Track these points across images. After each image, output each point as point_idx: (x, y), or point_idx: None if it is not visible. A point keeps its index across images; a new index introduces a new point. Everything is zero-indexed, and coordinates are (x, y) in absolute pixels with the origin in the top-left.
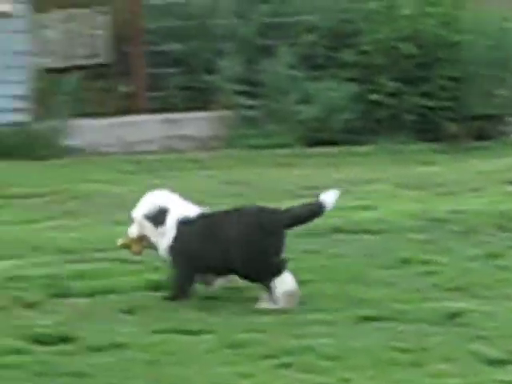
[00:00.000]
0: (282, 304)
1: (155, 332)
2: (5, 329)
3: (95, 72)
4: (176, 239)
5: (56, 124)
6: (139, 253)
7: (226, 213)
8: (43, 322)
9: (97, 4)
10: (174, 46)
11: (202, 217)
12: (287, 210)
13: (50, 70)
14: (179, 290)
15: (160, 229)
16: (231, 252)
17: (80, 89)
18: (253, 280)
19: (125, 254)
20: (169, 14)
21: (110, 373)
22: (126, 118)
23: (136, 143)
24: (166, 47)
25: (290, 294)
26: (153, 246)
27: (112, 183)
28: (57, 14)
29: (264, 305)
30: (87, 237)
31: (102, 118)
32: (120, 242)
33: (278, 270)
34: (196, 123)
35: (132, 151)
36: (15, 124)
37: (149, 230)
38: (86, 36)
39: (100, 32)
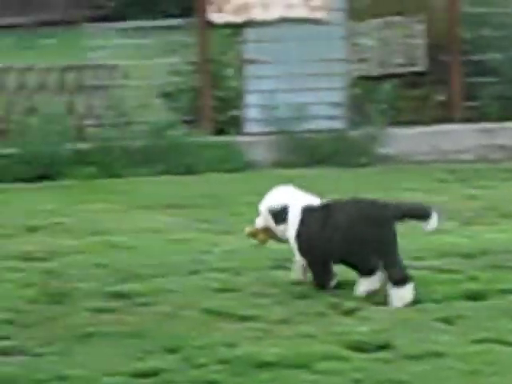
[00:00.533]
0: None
1: (473, 342)
2: (324, 335)
3: (411, 80)
4: (300, 228)
5: (371, 131)
6: (264, 242)
7: (345, 203)
8: (361, 329)
9: (413, 12)
10: (490, 56)
11: (323, 206)
12: (397, 204)
13: (365, 78)
14: (320, 279)
15: (281, 225)
16: (343, 240)
17: (395, 97)
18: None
19: (444, 263)
20: (484, 24)
21: (427, 381)
22: (441, 127)
23: (450, 152)
24: (481, 56)
25: (404, 302)
26: (275, 238)
27: (427, 192)
28: (373, 22)
29: (363, 288)
30: (404, 245)
31: (417, 126)
32: (247, 230)
33: (405, 279)
34: (511, 133)
35: (446, 160)
36: (331, 131)
37: (271, 223)
38: (402, 44)
39: (416, 40)
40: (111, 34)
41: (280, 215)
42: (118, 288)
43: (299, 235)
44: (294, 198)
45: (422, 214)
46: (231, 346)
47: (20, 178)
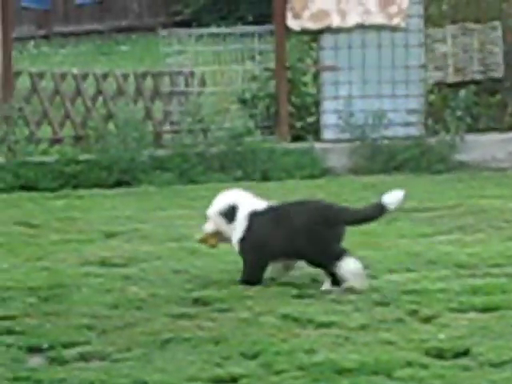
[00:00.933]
0: (351, 283)
1: None
2: (403, 342)
3: (489, 87)
4: (247, 230)
5: (448, 138)
6: (214, 246)
7: (292, 205)
8: (440, 336)
9: (490, 19)
10: None
11: (270, 209)
12: (350, 209)
13: (443, 84)
14: (251, 276)
15: (232, 224)
16: (297, 240)
17: (472, 103)
18: (317, 265)
19: None
20: None
21: None
22: None
23: None
24: None
25: (355, 273)
26: (226, 240)
27: (506, 199)
28: (450, 29)
29: (327, 286)
30: (482, 252)
31: (494, 133)
32: (198, 237)
33: (339, 255)
34: None
35: None
36: (408, 138)
37: (223, 225)
38: (479, 50)
39: (493, 47)
40: (188, 40)
41: (230, 214)
42: (197, 294)
43: (244, 238)
44: (241, 200)
45: (377, 215)
46: (310, 352)
47: (98, 184)
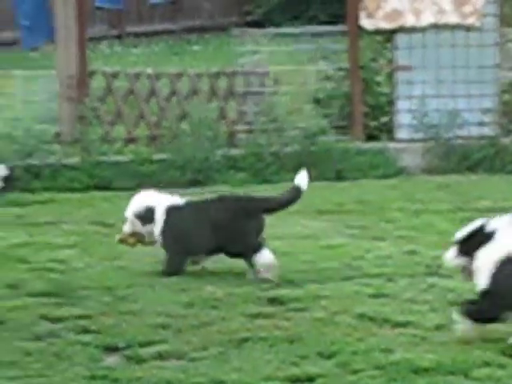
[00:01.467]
0: (263, 275)
1: None
2: (479, 342)
3: None
4: (166, 225)
5: None
6: (133, 245)
7: (211, 200)
8: None
9: None
10: None
11: (188, 204)
12: (268, 198)
13: None
14: (172, 268)
15: (147, 225)
16: (218, 233)
17: None
18: (237, 256)
19: None
20: None
21: None
22: None
23: None
24: None
25: (268, 266)
26: (143, 240)
27: None
28: None
29: (250, 276)
30: None
31: None
32: (117, 237)
33: (257, 247)
34: None
35: None
36: (482, 137)
37: (138, 226)
38: None
39: None
40: (261, 39)
41: (145, 216)
42: (273, 293)
43: (164, 232)
44: (157, 201)
45: (294, 198)
46: (387, 351)
47: (172, 183)
